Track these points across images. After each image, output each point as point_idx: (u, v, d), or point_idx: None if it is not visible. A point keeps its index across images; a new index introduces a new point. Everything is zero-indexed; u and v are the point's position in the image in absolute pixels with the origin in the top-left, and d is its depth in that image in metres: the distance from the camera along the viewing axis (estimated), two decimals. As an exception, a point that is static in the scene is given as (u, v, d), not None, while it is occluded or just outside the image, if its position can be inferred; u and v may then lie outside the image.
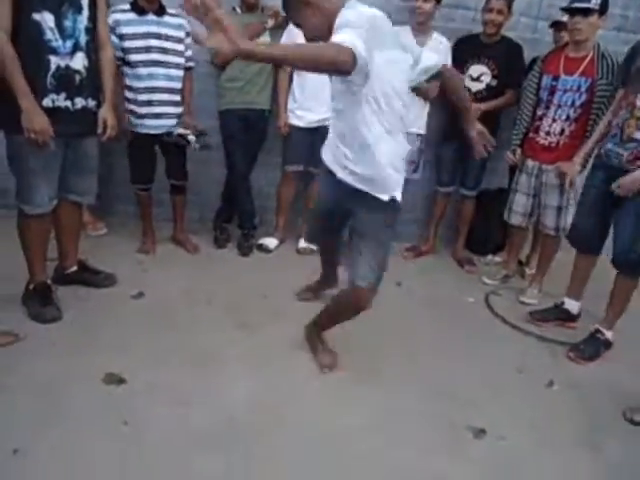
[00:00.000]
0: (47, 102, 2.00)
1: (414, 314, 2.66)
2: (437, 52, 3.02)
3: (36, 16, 1.91)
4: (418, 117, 3.12)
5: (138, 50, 2.59)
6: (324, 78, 2.95)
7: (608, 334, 2.38)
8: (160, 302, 2.45)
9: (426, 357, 2.26)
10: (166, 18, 2.64)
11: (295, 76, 3.04)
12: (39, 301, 2.22)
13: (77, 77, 2.05)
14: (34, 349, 2.00)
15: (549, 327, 2.64)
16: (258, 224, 3.29)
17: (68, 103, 2.05)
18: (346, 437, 1.74)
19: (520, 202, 2.87)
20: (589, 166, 2.52)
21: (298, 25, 1.69)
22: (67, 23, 1.99)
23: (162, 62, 2.65)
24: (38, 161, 2.04)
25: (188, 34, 2.75)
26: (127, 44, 2.57)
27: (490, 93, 3.01)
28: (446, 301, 2.85)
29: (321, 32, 1.59)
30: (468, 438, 1.82)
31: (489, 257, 3.51)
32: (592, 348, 2.37)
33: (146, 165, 2.85)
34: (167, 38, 2.64)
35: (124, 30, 2.55)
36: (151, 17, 2.60)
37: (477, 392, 2.07)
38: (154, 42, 2.61)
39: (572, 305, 2.63)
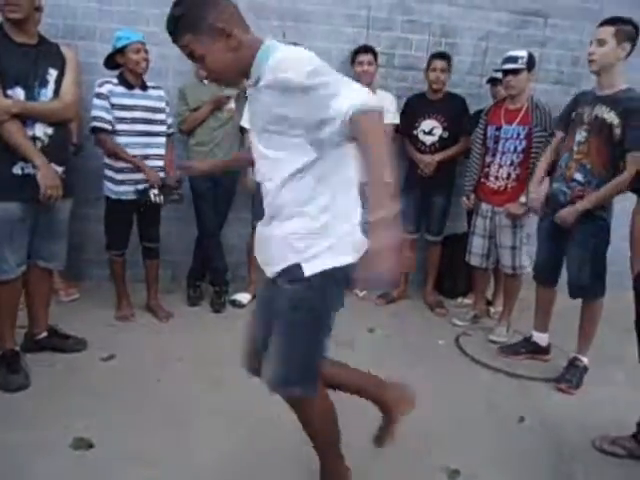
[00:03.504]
0: (16, 170, 2.09)
1: (386, 359, 2.67)
2: (386, 108, 3.29)
3: (9, 91, 2.04)
4: None
5: (124, 120, 2.73)
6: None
7: (585, 360, 2.50)
8: (131, 363, 2.44)
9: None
10: (150, 91, 2.82)
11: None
12: (6, 369, 2.19)
13: (38, 144, 2.12)
14: (0, 419, 1.96)
15: (520, 362, 2.70)
16: (230, 280, 3.34)
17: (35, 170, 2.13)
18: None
19: (477, 244, 3.02)
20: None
21: (195, 57, 1.29)
22: (35, 96, 2.11)
23: (147, 132, 2.79)
24: (5, 228, 2.09)
25: (167, 103, 2.91)
26: (116, 114, 2.70)
27: (443, 144, 3.24)
28: (417, 344, 2.89)
29: (231, 74, 1.32)
30: (442, 479, 1.83)
31: (459, 299, 3.61)
32: (577, 376, 2.47)
33: (123, 231, 2.89)
34: (152, 110, 2.81)
35: (115, 100, 2.69)
36: (138, 91, 2.77)
37: (449, 431, 2.09)
38: (140, 114, 2.76)
39: (540, 338, 2.72)
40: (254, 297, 3.34)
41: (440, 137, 3.24)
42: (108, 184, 2.81)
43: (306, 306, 1.34)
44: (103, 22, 3.18)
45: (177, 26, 1.25)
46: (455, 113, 3.22)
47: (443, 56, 3.16)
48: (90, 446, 1.84)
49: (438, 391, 2.37)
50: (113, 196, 2.81)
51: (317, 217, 1.33)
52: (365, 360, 2.57)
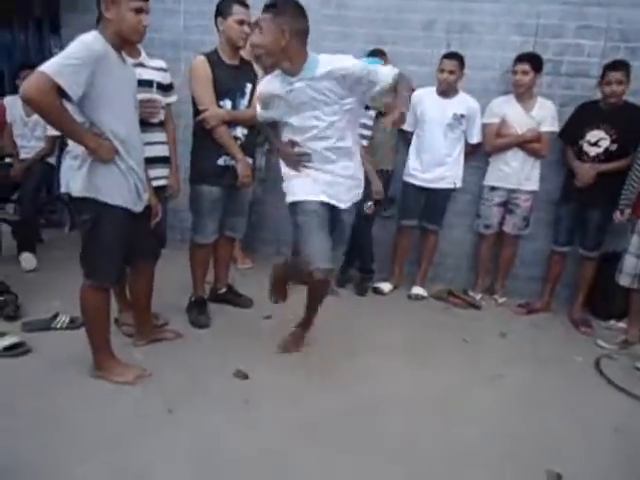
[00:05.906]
0: (221, 162, 2.72)
1: (512, 364, 2.72)
2: (543, 115, 3.25)
3: (221, 102, 2.67)
4: (530, 174, 3.33)
5: None
6: (441, 139, 3.33)
7: None
8: (284, 324, 2.93)
9: (520, 405, 2.34)
10: None
11: (415, 137, 3.46)
12: (197, 311, 2.90)
13: (238, 142, 2.73)
14: (188, 345, 2.63)
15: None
16: (375, 270, 3.68)
17: (233, 162, 2.74)
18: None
19: (629, 263, 2.84)
20: None
21: (258, 30, 2.09)
22: (237, 106, 2.72)
23: None
24: (209, 205, 2.76)
25: None
26: None
27: (608, 157, 3.08)
28: (551, 357, 2.84)
29: (273, 56, 2.09)
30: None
31: (611, 322, 3.37)
32: None
33: None
34: None
35: None
36: None
37: (564, 442, 2.09)
38: None
39: None
40: (395, 287, 3.65)
41: (606, 149, 3.09)
42: None
43: None
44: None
45: (273, 5, 2.03)
46: (629, 125, 3.01)
47: (619, 67, 2.99)
48: (246, 377, 2.37)
49: (561, 403, 2.37)
50: None
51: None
52: (490, 361, 2.72)
